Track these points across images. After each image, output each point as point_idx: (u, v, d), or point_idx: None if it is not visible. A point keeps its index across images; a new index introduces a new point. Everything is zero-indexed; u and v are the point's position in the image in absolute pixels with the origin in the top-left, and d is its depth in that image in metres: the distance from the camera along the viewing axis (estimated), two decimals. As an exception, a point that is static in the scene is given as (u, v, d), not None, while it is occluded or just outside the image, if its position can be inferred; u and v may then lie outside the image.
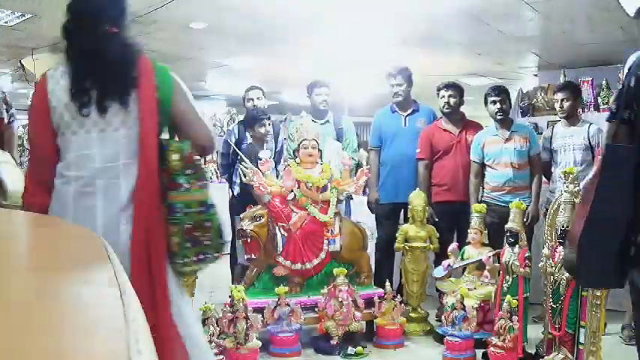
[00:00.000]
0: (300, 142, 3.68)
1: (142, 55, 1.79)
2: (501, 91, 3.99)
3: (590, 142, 3.88)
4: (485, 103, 4.04)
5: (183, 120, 1.80)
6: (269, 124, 4.22)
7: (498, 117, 3.97)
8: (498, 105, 3.94)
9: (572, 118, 4.00)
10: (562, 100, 3.96)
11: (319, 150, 3.74)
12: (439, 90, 4.23)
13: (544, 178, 4.13)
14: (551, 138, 4.04)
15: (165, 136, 1.80)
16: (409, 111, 4.36)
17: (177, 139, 1.81)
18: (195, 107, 1.83)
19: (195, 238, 1.70)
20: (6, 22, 5.28)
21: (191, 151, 1.75)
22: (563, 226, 2.92)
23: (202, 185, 1.75)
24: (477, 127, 4.25)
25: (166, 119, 1.76)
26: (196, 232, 1.70)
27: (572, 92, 4.02)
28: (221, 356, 3.08)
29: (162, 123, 1.76)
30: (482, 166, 4.03)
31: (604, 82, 5.19)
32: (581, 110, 5.21)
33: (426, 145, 4.16)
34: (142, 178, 1.68)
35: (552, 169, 4.06)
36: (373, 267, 3.98)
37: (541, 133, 4.50)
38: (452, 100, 4.16)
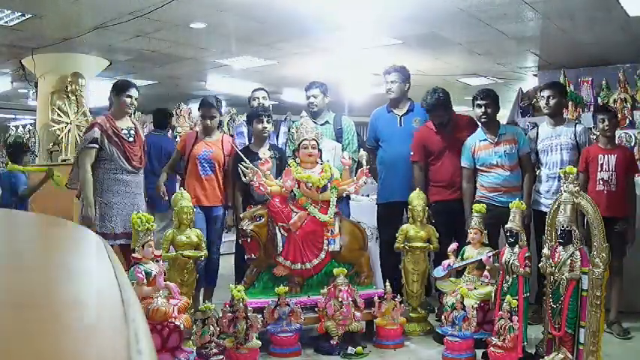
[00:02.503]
0: (300, 142, 3.67)
1: None
2: (487, 95, 3.96)
3: (577, 142, 3.87)
4: (473, 105, 4.03)
5: None
6: (267, 121, 4.06)
7: (482, 120, 3.97)
8: (483, 109, 3.94)
9: (557, 117, 3.98)
10: (548, 97, 3.92)
11: (319, 150, 3.73)
12: (432, 107, 4.05)
13: None
14: (536, 139, 4.01)
15: None
16: (404, 110, 4.34)
17: None
18: None
19: None
20: (6, 22, 5.28)
21: None
22: (563, 226, 2.92)
23: None
24: (468, 122, 4.22)
25: None
26: None
27: (558, 90, 4.01)
28: (221, 356, 3.08)
29: None
30: (474, 170, 4.02)
31: (604, 82, 5.19)
32: (580, 110, 5.22)
33: (419, 148, 4.15)
34: None
35: (538, 170, 4.03)
36: (374, 267, 3.98)
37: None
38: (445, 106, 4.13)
